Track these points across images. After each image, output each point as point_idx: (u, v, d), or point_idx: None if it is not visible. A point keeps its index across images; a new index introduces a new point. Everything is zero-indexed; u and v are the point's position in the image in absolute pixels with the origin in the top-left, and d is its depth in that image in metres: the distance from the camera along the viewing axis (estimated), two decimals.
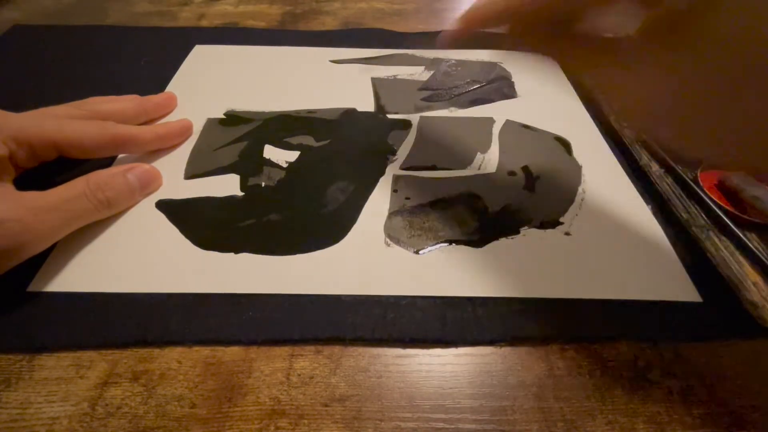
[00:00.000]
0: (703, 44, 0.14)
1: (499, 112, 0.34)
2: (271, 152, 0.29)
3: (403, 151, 0.30)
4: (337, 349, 0.20)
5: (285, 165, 0.28)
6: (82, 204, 0.22)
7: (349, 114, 0.33)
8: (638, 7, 0.16)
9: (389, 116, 0.33)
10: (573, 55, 0.19)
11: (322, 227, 0.24)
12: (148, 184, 0.26)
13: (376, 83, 0.36)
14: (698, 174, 0.27)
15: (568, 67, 0.21)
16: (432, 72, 0.38)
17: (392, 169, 0.28)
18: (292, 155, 0.29)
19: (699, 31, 0.14)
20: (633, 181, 0.28)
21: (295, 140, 0.30)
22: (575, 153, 0.30)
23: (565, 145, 0.31)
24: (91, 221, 0.23)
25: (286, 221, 0.25)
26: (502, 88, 0.36)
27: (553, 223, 0.25)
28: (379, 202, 0.26)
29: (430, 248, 0.24)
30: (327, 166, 0.28)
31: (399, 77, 0.37)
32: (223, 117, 0.32)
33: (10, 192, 0.21)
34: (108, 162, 0.27)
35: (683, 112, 0.16)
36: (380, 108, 0.33)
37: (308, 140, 0.30)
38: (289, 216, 0.25)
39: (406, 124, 0.32)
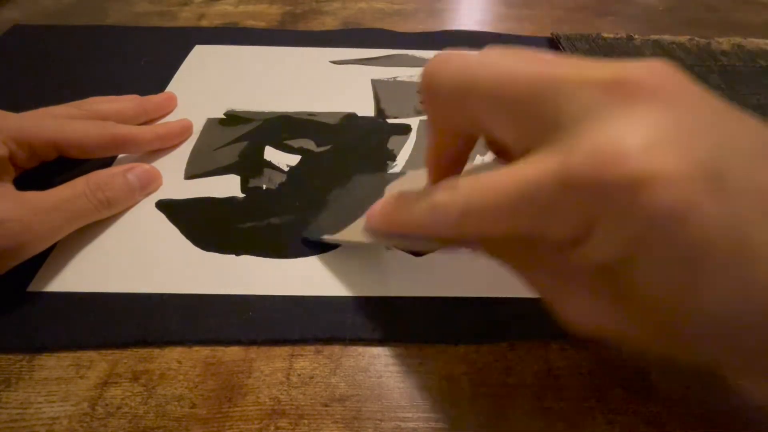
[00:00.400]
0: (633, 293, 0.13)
1: None
2: (271, 154, 0.29)
3: (402, 157, 0.30)
4: (337, 349, 0.20)
5: (286, 168, 0.28)
6: (82, 204, 0.22)
7: (350, 119, 0.33)
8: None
9: (389, 120, 0.33)
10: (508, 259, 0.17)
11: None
12: (148, 184, 0.26)
13: (376, 85, 0.36)
14: None
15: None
16: None
17: None
18: (293, 159, 0.29)
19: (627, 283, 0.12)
20: None
21: (295, 143, 0.30)
22: None
23: None
24: (91, 221, 0.23)
25: (287, 225, 0.25)
26: None
27: None
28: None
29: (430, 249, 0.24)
30: (328, 172, 0.28)
31: (399, 79, 0.37)
32: (223, 117, 0.32)
33: (10, 192, 0.21)
34: (108, 162, 0.27)
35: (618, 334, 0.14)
36: (380, 111, 0.33)
37: (309, 144, 0.30)
38: (290, 220, 0.25)
39: (405, 129, 0.32)
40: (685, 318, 0.11)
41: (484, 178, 0.13)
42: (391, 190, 0.25)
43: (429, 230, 0.15)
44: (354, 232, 0.22)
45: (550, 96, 0.13)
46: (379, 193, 0.25)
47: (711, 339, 0.12)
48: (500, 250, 0.16)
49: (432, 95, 0.16)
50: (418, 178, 0.20)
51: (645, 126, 0.11)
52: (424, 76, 0.15)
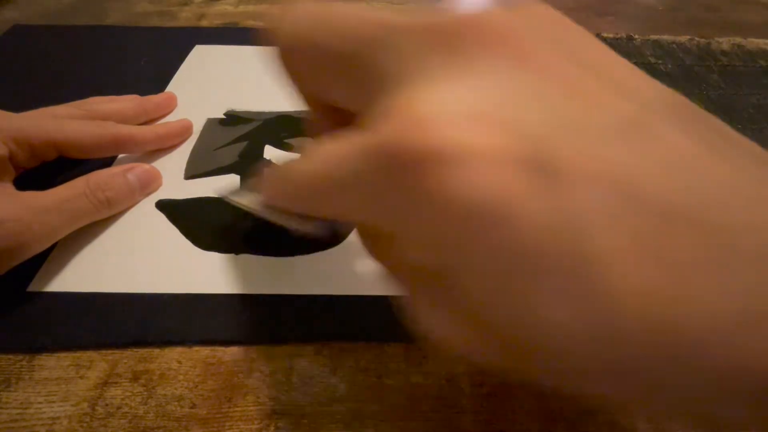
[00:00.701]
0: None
1: None
2: (271, 154, 0.29)
3: None
4: (337, 349, 0.20)
5: None
6: (82, 204, 0.22)
7: None
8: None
9: None
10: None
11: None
12: (148, 184, 0.26)
13: None
14: None
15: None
16: None
17: None
18: (293, 158, 0.29)
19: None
20: None
21: (295, 142, 0.30)
22: None
23: None
24: (91, 221, 0.23)
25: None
26: None
27: None
28: None
29: None
30: None
31: None
32: (223, 117, 0.32)
33: (9, 192, 0.21)
34: (108, 162, 0.27)
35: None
36: None
37: (309, 143, 0.30)
38: None
39: None
40: (527, 339, 0.09)
41: (321, 151, 0.11)
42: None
43: (285, 202, 0.14)
44: (251, 198, 0.20)
45: (377, 48, 0.10)
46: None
47: (566, 364, 0.09)
48: (362, 238, 0.14)
49: (284, 52, 0.14)
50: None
51: (465, 88, 0.09)
52: (269, 27, 0.13)
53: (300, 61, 0.13)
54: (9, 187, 0.22)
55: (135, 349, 0.20)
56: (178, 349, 0.20)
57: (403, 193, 0.09)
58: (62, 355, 0.19)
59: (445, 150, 0.08)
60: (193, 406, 0.18)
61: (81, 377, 0.19)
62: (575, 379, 0.10)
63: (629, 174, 0.08)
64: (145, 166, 0.26)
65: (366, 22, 0.11)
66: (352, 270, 0.22)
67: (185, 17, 0.45)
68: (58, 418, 0.17)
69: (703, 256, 0.08)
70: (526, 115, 0.09)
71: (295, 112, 0.33)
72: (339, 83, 0.12)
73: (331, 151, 0.11)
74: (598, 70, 0.10)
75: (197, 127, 0.31)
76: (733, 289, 0.07)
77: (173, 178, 0.27)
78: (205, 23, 0.44)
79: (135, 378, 0.19)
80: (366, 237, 0.14)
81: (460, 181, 0.08)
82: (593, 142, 0.08)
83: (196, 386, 0.18)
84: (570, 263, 0.08)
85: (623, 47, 0.40)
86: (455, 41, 0.09)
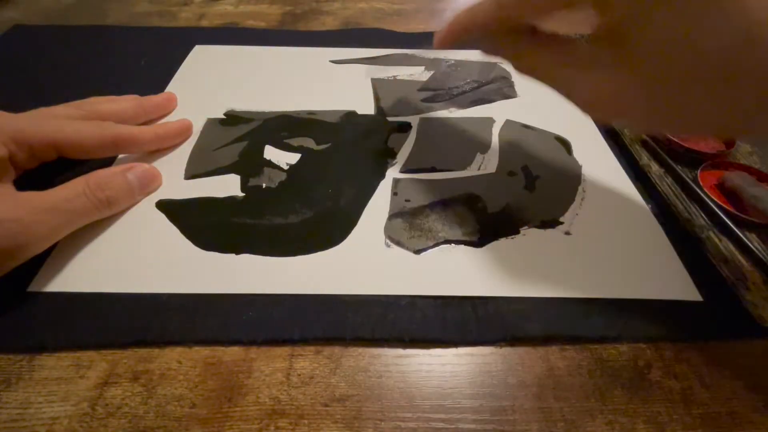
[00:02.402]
0: (639, 50, 0.17)
1: (498, 112, 0.34)
2: (271, 153, 0.29)
3: (402, 154, 0.30)
4: (337, 349, 0.20)
5: (286, 167, 0.28)
6: (82, 204, 0.22)
7: (350, 117, 0.33)
8: (592, 13, 0.18)
9: (389, 119, 0.33)
10: (534, 58, 0.21)
11: (323, 230, 0.24)
12: (148, 184, 0.26)
13: (376, 84, 0.36)
14: (698, 174, 0.27)
15: (527, 69, 0.22)
16: (432, 72, 0.38)
17: (392, 173, 0.28)
18: (293, 157, 0.29)
19: (636, 40, 0.17)
20: (633, 181, 0.28)
21: (295, 142, 0.30)
22: (575, 153, 0.30)
23: (565, 144, 0.31)
24: (91, 221, 0.23)
25: (287, 224, 0.25)
26: (501, 88, 0.36)
27: (553, 223, 0.25)
28: (379, 204, 0.26)
29: (430, 248, 0.24)
30: (328, 170, 0.28)
31: (399, 78, 0.37)
32: (223, 117, 0.32)
33: (9, 192, 0.21)
34: (108, 162, 0.27)
35: (634, 103, 0.18)
36: (380, 110, 0.33)
37: (309, 143, 0.30)
38: (290, 219, 0.25)
39: (405, 127, 0.32)
40: (688, 64, 0.15)
41: None
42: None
43: (479, 19, 0.21)
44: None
45: None
46: None
47: (712, 89, 0.16)
48: (528, 58, 0.21)
49: None
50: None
51: None
52: None
53: None
54: (9, 188, 0.22)
55: (135, 349, 0.20)
56: (178, 349, 0.20)
57: None
58: (62, 355, 0.19)
59: None
60: (193, 406, 0.18)
61: (81, 377, 0.19)
62: (717, 109, 0.16)
63: None
64: (145, 165, 0.26)
65: None
66: (352, 270, 0.22)
67: (185, 17, 0.45)
68: (58, 418, 0.17)
69: None
70: None
71: (295, 112, 0.33)
72: None
73: None
74: None
75: (197, 127, 0.31)
76: None
77: (173, 178, 0.27)
78: (205, 23, 0.45)
79: (135, 378, 0.19)
80: (531, 55, 0.21)
81: None
82: None
83: (196, 386, 0.18)
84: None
85: None
86: None
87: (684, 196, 0.26)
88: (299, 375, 0.19)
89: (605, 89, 0.18)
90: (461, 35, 0.23)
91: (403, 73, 0.37)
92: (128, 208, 0.25)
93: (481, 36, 0.23)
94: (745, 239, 0.23)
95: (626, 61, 0.17)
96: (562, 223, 0.25)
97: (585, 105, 0.20)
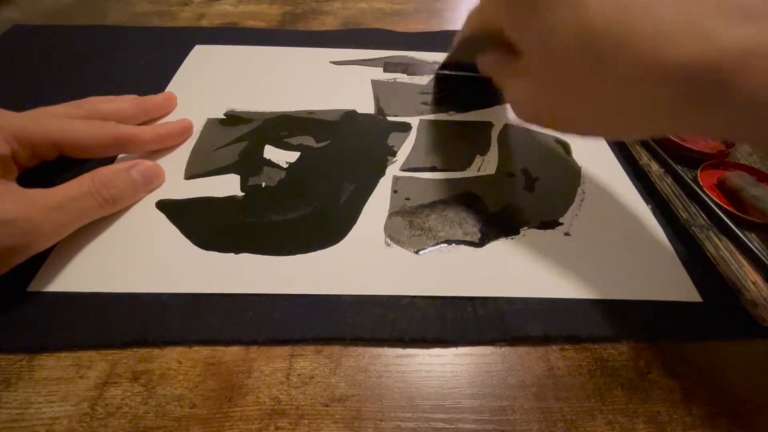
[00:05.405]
0: (529, 58, 0.20)
1: (498, 115, 0.34)
2: (271, 152, 0.29)
3: (403, 153, 0.30)
4: (337, 349, 0.20)
5: (285, 165, 0.28)
6: (88, 202, 0.22)
7: (350, 115, 0.33)
8: None
9: (389, 118, 0.33)
10: (492, 64, 0.24)
11: (323, 228, 0.24)
12: (152, 181, 0.26)
13: (376, 86, 0.36)
14: (698, 174, 0.27)
15: (488, 71, 0.25)
16: (432, 76, 0.38)
17: (392, 170, 0.28)
18: (293, 156, 0.29)
19: (524, 49, 0.20)
20: (633, 181, 0.28)
21: (295, 141, 0.30)
22: (575, 153, 0.30)
23: (565, 145, 0.31)
24: (95, 218, 0.23)
25: (286, 222, 0.25)
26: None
27: (553, 224, 0.25)
28: (379, 202, 0.26)
29: (430, 248, 0.24)
30: (327, 167, 0.28)
31: (398, 80, 0.37)
32: (223, 117, 0.32)
33: (18, 191, 0.21)
34: (108, 161, 0.27)
35: (544, 108, 0.21)
36: (380, 110, 0.33)
37: (308, 141, 0.30)
38: (289, 216, 0.25)
39: (405, 127, 0.32)
40: (558, 69, 0.18)
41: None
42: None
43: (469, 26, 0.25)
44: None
45: None
46: None
47: (583, 93, 0.18)
48: (489, 64, 0.25)
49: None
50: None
51: None
52: None
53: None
54: (14, 186, 0.21)
55: (135, 349, 0.20)
56: (178, 349, 0.20)
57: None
58: (62, 355, 0.19)
59: None
60: (193, 406, 0.18)
61: (81, 377, 0.19)
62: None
63: None
64: (148, 162, 0.26)
65: None
66: (352, 270, 0.22)
67: (185, 17, 0.45)
68: (58, 418, 0.17)
69: None
70: None
71: (294, 112, 0.33)
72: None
73: None
74: None
75: (197, 127, 0.31)
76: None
77: (173, 178, 0.27)
78: (205, 23, 0.45)
79: (135, 378, 0.19)
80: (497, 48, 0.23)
81: None
82: None
83: (196, 386, 0.18)
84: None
85: None
86: None
87: (684, 196, 0.26)
88: (299, 375, 0.19)
89: (521, 95, 0.21)
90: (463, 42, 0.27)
91: (404, 76, 0.37)
92: (130, 206, 0.25)
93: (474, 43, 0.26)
94: (745, 239, 0.23)
95: (525, 69, 0.21)
96: (561, 223, 0.25)
97: (513, 108, 0.23)
